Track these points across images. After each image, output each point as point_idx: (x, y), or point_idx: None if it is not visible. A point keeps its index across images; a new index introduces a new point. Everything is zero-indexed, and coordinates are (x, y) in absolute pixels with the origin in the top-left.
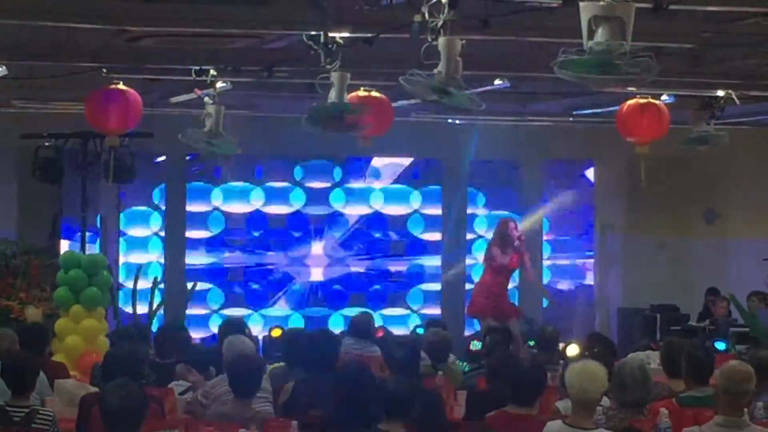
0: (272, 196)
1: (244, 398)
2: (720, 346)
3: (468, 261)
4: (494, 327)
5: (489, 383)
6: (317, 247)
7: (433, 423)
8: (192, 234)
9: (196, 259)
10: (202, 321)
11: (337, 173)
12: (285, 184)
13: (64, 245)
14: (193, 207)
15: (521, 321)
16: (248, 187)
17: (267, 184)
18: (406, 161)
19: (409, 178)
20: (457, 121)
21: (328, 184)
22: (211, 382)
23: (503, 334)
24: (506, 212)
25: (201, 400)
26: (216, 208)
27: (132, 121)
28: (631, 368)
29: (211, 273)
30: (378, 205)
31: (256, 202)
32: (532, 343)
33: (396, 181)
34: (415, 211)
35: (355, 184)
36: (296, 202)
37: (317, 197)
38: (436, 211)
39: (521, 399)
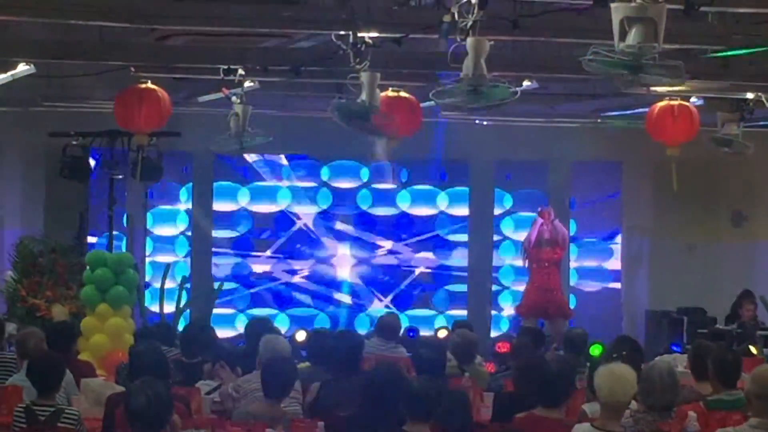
0: (299, 196)
1: (274, 399)
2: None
3: (495, 262)
4: (526, 328)
5: (516, 385)
6: (344, 248)
7: (459, 424)
8: (218, 233)
9: (222, 258)
10: (228, 320)
11: (365, 174)
12: (312, 184)
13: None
14: (219, 206)
15: (566, 322)
16: (275, 187)
17: (293, 184)
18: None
19: (437, 179)
20: (485, 122)
21: (355, 185)
22: (244, 377)
23: (534, 335)
24: (533, 213)
25: (231, 393)
26: (243, 208)
27: (161, 121)
28: (659, 371)
29: (236, 272)
30: (405, 206)
31: (282, 202)
32: None
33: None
34: (442, 212)
35: (382, 185)
36: (323, 203)
37: (344, 198)
38: (463, 211)
39: (549, 401)
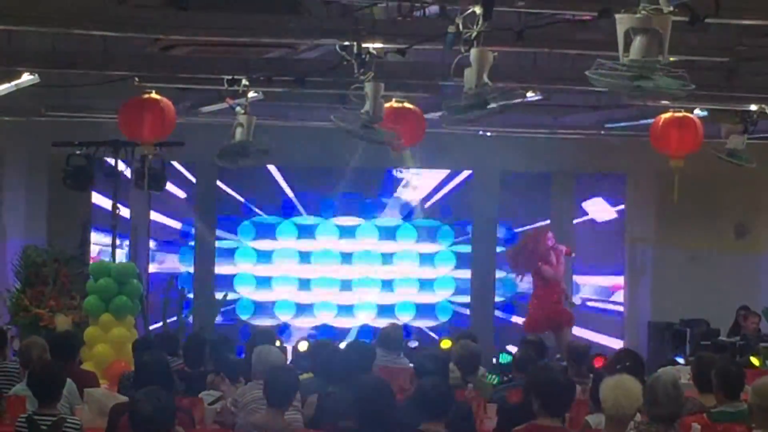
0: (301, 231)
1: (277, 408)
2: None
3: (497, 275)
4: (528, 339)
5: (525, 397)
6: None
7: None
8: (221, 244)
9: (224, 268)
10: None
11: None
12: (314, 221)
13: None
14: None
15: (571, 331)
16: (278, 220)
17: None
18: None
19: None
20: (488, 133)
21: (358, 222)
22: (240, 390)
23: (537, 347)
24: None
25: (230, 408)
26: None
27: (166, 131)
28: (664, 382)
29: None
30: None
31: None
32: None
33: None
34: (446, 222)
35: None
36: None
37: (345, 233)
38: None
39: (552, 411)
